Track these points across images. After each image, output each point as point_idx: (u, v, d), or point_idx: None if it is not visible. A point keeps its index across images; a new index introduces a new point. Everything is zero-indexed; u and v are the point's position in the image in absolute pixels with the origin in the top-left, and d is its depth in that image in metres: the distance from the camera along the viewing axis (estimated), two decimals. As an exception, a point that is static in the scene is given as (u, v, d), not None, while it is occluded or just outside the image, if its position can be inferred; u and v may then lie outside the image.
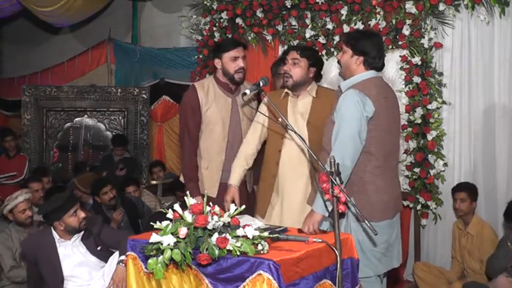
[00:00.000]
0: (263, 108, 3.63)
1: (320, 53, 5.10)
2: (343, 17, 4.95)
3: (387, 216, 3.10)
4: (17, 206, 4.20)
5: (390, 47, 4.71)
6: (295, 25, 5.31)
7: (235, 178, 3.57)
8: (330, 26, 5.04)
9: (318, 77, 3.59)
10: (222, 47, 3.82)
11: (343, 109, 3.00)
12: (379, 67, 3.16)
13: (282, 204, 3.53)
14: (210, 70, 5.37)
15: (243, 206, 2.60)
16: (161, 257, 2.40)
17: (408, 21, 4.64)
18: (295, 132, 2.92)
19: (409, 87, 4.66)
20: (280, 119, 3.45)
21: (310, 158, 3.16)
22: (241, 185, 3.86)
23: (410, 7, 4.62)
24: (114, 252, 3.48)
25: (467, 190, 4.35)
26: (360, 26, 4.83)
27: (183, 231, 2.41)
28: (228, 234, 2.43)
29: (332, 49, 5.08)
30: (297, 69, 3.45)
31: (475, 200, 4.37)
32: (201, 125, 3.79)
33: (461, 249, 4.44)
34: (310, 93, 3.50)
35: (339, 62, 3.25)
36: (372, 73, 3.12)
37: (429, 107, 4.58)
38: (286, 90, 3.56)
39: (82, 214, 3.49)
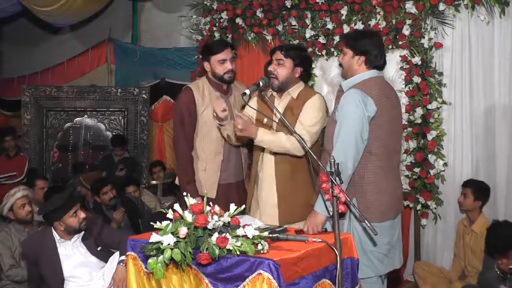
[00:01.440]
0: (253, 102, 3.63)
1: (320, 53, 5.11)
2: (343, 17, 4.95)
3: (389, 217, 3.11)
4: (16, 203, 4.20)
5: (390, 47, 4.71)
6: (295, 25, 5.31)
7: None
8: (330, 26, 5.04)
9: (306, 76, 3.54)
10: (209, 50, 3.81)
11: (344, 108, 2.99)
12: (381, 66, 3.16)
13: (258, 198, 3.56)
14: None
15: (243, 206, 2.60)
16: (161, 256, 2.40)
17: (408, 21, 4.64)
18: (295, 132, 2.93)
19: (409, 87, 4.66)
20: (265, 120, 3.47)
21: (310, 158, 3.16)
22: (240, 183, 3.87)
23: (410, 7, 4.62)
24: (114, 253, 3.48)
25: (472, 187, 4.33)
26: (360, 26, 4.83)
27: (183, 231, 2.41)
28: (228, 234, 2.44)
29: (332, 49, 5.07)
30: (281, 69, 3.42)
31: (480, 199, 4.32)
32: (196, 127, 3.80)
33: (464, 247, 4.43)
34: (292, 94, 3.46)
35: (340, 64, 3.24)
36: (373, 72, 3.11)
37: (429, 107, 4.58)
38: (270, 89, 3.55)
39: (82, 214, 3.48)
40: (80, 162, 7.34)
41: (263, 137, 3.29)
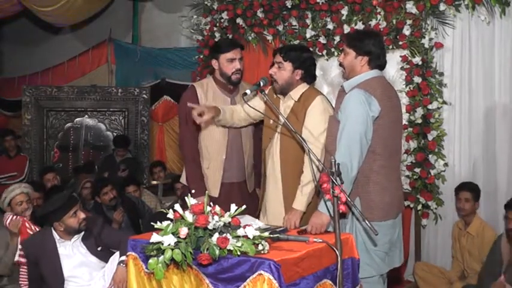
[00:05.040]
0: (257, 100, 3.63)
1: (320, 53, 5.10)
2: (344, 17, 4.95)
3: (391, 216, 3.12)
4: (15, 198, 4.21)
5: (391, 47, 4.70)
6: (295, 25, 5.31)
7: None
8: (330, 26, 5.04)
9: (308, 77, 3.47)
10: (219, 48, 3.82)
11: (348, 109, 2.99)
12: (383, 65, 3.16)
13: (265, 200, 3.57)
14: (211, 70, 5.38)
15: (244, 206, 2.60)
16: (162, 257, 2.40)
17: (409, 22, 4.63)
18: (296, 133, 2.93)
19: (409, 87, 4.66)
20: (271, 121, 3.47)
21: (309, 158, 3.16)
22: (242, 184, 3.87)
23: (410, 7, 4.62)
24: (114, 253, 3.48)
25: (471, 190, 4.35)
26: (360, 26, 4.82)
27: (183, 231, 2.41)
28: (228, 234, 2.44)
29: (332, 49, 5.07)
30: (281, 72, 3.41)
31: (478, 201, 4.37)
32: (201, 125, 3.80)
33: (461, 249, 4.44)
34: (293, 97, 3.43)
35: (341, 64, 3.23)
36: (375, 72, 3.12)
37: (430, 107, 4.57)
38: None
39: (82, 215, 3.49)
40: (90, 161, 7.27)
41: (302, 205, 3.28)
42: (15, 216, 4.03)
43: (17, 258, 3.76)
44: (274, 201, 3.48)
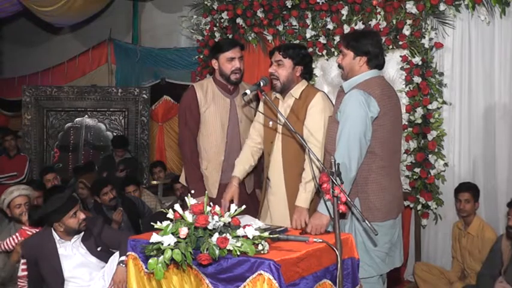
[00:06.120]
0: (262, 106, 3.64)
1: (320, 53, 5.11)
2: (344, 17, 4.95)
3: (391, 216, 3.12)
4: (13, 201, 4.21)
5: (391, 47, 4.71)
6: (295, 25, 5.31)
7: (239, 170, 3.56)
8: (330, 26, 5.04)
9: (307, 74, 3.50)
10: (219, 47, 3.82)
11: (348, 109, 2.99)
12: (381, 65, 3.16)
13: (269, 203, 3.57)
14: (211, 70, 5.38)
15: (243, 206, 2.60)
16: (162, 257, 2.40)
17: (409, 21, 4.63)
18: (296, 133, 2.93)
19: (409, 87, 4.66)
20: (271, 123, 3.46)
21: (308, 157, 3.17)
22: (240, 185, 3.87)
23: (410, 7, 4.62)
24: (114, 253, 3.48)
25: (471, 190, 4.35)
26: (360, 26, 4.82)
27: (183, 231, 2.41)
28: (228, 234, 2.44)
29: (332, 49, 5.07)
30: (281, 70, 3.41)
31: (477, 201, 4.38)
32: (199, 125, 3.80)
33: (461, 250, 4.44)
34: (294, 94, 3.44)
35: (339, 66, 3.23)
36: (374, 72, 3.12)
37: (429, 107, 4.57)
38: (273, 92, 3.55)
39: (82, 215, 3.48)
40: (90, 161, 7.27)
41: (306, 202, 3.27)
42: (18, 235, 4.02)
43: (20, 273, 3.75)
44: (278, 202, 3.47)
